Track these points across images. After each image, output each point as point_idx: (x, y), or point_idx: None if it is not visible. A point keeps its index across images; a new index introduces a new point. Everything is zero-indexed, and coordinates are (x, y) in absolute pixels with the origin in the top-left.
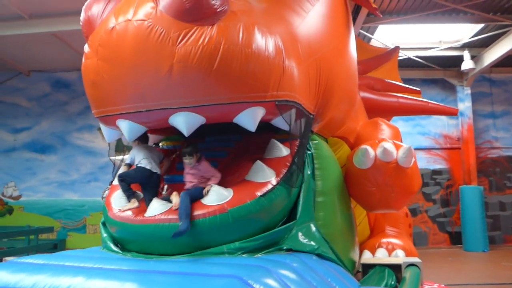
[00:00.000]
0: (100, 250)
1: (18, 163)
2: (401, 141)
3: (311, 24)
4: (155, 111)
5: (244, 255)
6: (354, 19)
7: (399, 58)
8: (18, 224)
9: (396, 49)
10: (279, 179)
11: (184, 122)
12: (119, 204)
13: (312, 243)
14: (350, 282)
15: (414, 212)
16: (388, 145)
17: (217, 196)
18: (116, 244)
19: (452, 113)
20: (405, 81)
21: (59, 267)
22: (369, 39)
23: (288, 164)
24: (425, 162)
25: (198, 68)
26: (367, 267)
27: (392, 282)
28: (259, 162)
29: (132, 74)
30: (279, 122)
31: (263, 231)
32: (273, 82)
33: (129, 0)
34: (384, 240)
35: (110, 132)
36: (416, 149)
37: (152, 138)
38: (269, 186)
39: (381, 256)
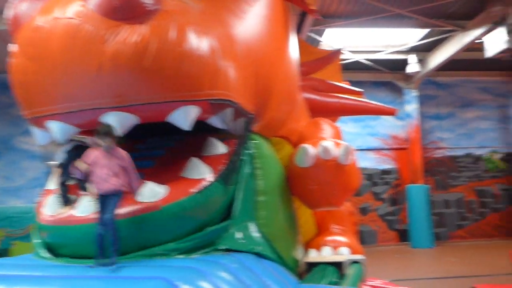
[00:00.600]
0: (31, 258)
1: None
2: (341, 140)
3: (249, 25)
4: (86, 111)
5: (181, 256)
6: (302, 22)
7: (348, 61)
8: None
9: (338, 51)
10: (215, 175)
11: (116, 122)
12: (53, 209)
13: (251, 242)
14: (288, 281)
15: (364, 211)
16: (328, 144)
17: (150, 193)
18: (49, 250)
19: (390, 113)
20: (354, 83)
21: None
22: (318, 42)
23: (225, 161)
24: (374, 162)
25: (127, 66)
26: (312, 266)
27: (334, 280)
28: (194, 159)
29: (61, 74)
30: (215, 121)
31: (200, 231)
32: (207, 81)
33: None
34: (329, 238)
35: (42, 135)
36: (365, 149)
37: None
38: (205, 183)
39: (325, 254)
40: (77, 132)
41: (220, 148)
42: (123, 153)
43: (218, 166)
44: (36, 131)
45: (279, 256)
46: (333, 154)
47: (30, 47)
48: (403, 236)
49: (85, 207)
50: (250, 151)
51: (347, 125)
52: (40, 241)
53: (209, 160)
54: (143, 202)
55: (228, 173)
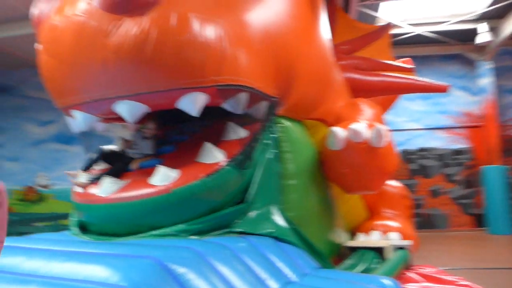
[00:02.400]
0: (66, 234)
1: (46, 154)
2: (381, 122)
3: (267, 8)
4: (99, 101)
5: (193, 237)
6: None
7: (409, 35)
8: (50, 211)
9: (387, 26)
10: (228, 160)
11: (126, 110)
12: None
13: (268, 226)
14: (307, 264)
15: (434, 193)
16: (358, 126)
17: (162, 177)
18: (83, 227)
19: (441, 90)
20: (420, 58)
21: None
22: (373, 17)
23: (242, 146)
24: (446, 141)
25: (129, 58)
26: (354, 250)
27: (373, 265)
28: (207, 144)
29: (74, 68)
30: (229, 106)
31: (211, 214)
32: (212, 68)
33: None
34: (378, 222)
35: (73, 122)
36: (435, 128)
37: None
38: (217, 167)
39: (374, 239)
40: (98, 120)
41: (239, 132)
42: None
43: (233, 151)
44: (69, 119)
45: (306, 240)
46: (364, 137)
47: (48, 45)
48: (479, 221)
49: (107, 188)
50: (274, 135)
51: (415, 103)
52: (74, 218)
53: (225, 145)
54: (155, 185)
55: (244, 157)
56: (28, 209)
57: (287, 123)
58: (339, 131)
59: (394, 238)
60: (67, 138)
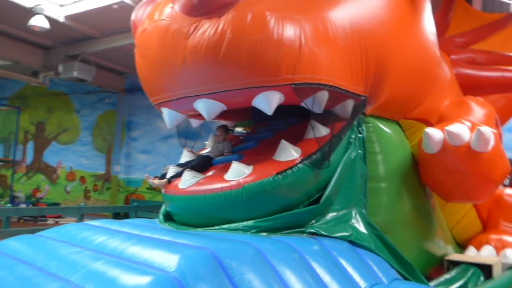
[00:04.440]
0: (154, 221)
1: (173, 148)
2: (492, 124)
3: (355, 5)
4: (181, 99)
5: (262, 234)
6: None
7: None
8: None
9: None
10: (303, 158)
11: (204, 108)
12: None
13: (346, 229)
14: (385, 274)
15: None
16: (455, 127)
17: (236, 172)
18: (169, 217)
19: None
20: None
21: (109, 230)
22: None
23: (319, 145)
24: None
25: (205, 58)
26: (453, 264)
27: (472, 284)
28: (283, 142)
29: (159, 68)
30: (309, 104)
31: (283, 212)
32: (287, 66)
33: (158, 3)
34: (493, 236)
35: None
36: None
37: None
38: (291, 165)
39: (485, 254)
40: (183, 118)
41: (320, 131)
42: None
43: (309, 149)
44: (163, 115)
45: (392, 248)
46: (463, 140)
47: (141, 48)
48: None
49: (186, 181)
50: (361, 135)
51: None
52: (163, 208)
53: (303, 143)
54: (228, 180)
55: (321, 156)
56: (155, 197)
57: (377, 122)
58: (435, 133)
59: (510, 256)
60: (194, 133)
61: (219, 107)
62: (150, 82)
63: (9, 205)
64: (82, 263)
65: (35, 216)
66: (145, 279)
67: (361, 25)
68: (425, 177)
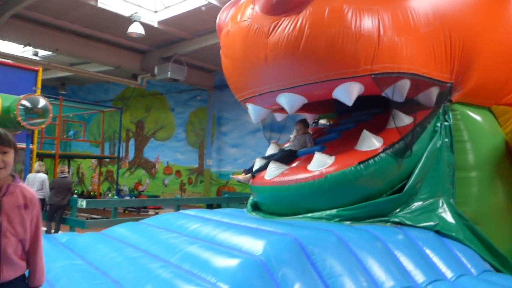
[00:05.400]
0: (242, 211)
1: (261, 142)
2: None
3: None
4: (265, 94)
5: (346, 223)
6: None
7: None
8: None
9: None
10: (385, 148)
11: (286, 102)
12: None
13: (433, 219)
14: (474, 264)
15: None
16: None
17: (318, 163)
18: (256, 207)
19: None
20: None
21: (202, 218)
22: None
23: (402, 134)
24: None
25: (285, 54)
26: None
27: None
28: (365, 132)
29: (243, 66)
30: (390, 94)
31: (366, 201)
32: (364, 57)
33: (240, 6)
34: None
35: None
36: None
37: (310, 117)
38: (371, 155)
39: None
40: (267, 112)
41: (403, 120)
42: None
43: (391, 139)
44: (248, 111)
45: (483, 238)
46: None
47: (225, 48)
48: None
49: (271, 172)
50: (448, 123)
51: None
52: (251, 199)
53: (386, 133)
54: (311, 170)
55: (404, 145)
56: (245, 189)
57: (465, 109)
58: None
59: None
60: (279, 127)
61: (301, 100)
62: (235, 80)
63: (115, 197)
64: (179, 246)
65: (138, 208)
66: (234, 262)
67: (444, 11)
68: None
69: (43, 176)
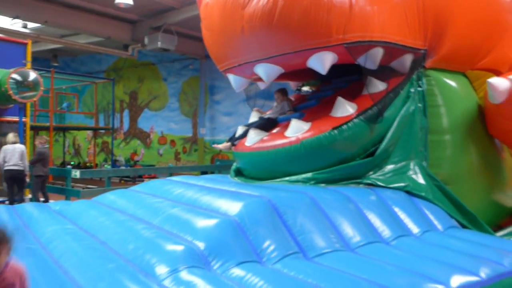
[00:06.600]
0: (225, 176)
1: None
2: None
3: None
4: (243, 65)
5: (321, 185)
6: None
7: None
8: None
9: None
10: (359, 114)
11: (263, 72)
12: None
13: (404, 180)
14: (441, 222)
15: None
16: None
17: (295, 129)
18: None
19: None
20: None
21: (186, 184)
22: None
23: (375, 100)
24: None
25: (260, 25)
26: None
27: None
28: (339, 98)
29: (221, 38)
30: (363, 62)
31: (341, 165)
32: (337, 27)
33: None
34: None
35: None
36: None
37: (293, 84)
38: (345, 120)
39: None
40: (248, 82)
41: (377, 86)
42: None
43: (365, 104)
44: (230, 80)
45: (453, 198)
46: None
47: (205, 20)
48: None
49: (251, 139)
50: (421, 88)
51: None
52: (234, 164)
53: (360, 99)
54: (288, 136)
55: (377, 111)
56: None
57: (439, 75)
58: (499, 82)
59: None
60: (270, 94)
61: (277, 70)
62: (215, 51)
63: (109, 167)
64: (162, 210)
65: (133, 177)
66: (211, 222)
67: None
68: (492, 129)
69: (21, 146)
